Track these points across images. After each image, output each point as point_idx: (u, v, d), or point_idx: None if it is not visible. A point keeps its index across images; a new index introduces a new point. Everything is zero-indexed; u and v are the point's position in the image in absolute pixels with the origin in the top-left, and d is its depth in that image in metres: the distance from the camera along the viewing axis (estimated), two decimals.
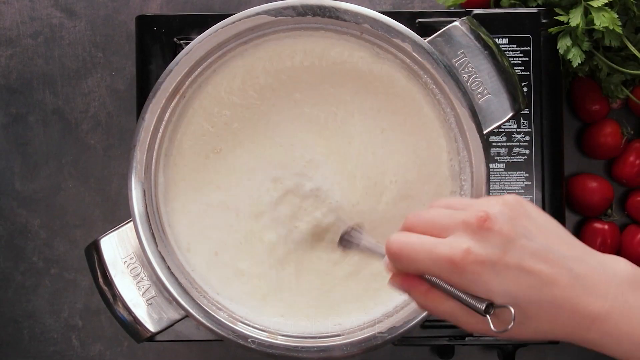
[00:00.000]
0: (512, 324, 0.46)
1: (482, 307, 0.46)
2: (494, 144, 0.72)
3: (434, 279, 0.48)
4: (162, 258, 0.62)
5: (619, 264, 0.49)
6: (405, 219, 0.50)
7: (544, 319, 0.47)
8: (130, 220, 0.63)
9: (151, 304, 0.63)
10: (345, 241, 0.58)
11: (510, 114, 0.64)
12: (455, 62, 0.63)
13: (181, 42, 0.70)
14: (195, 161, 0.65)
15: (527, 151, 0.72)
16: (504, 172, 0.72)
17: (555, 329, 0.47)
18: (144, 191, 0.62)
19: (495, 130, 0.65)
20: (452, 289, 0.47)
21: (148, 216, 0.62)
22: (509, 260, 0.46)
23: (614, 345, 0.47)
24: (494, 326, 0.46)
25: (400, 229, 0.50)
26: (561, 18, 0.71)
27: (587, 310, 0.46)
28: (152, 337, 0.64)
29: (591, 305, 0.47)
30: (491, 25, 0.70)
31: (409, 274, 0.49)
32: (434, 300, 0.49)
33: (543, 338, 0.48)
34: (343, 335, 0.62)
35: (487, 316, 0.46)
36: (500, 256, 0.46)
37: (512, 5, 0.77)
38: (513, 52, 0.71)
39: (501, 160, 0.72)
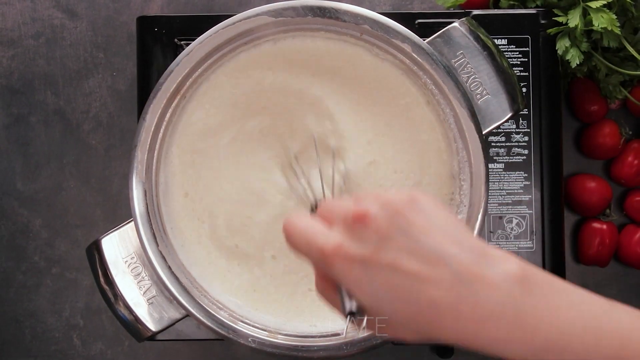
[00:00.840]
0: (363, 326, 0.44)
1: (349, 308, 0.44)
2: (493, 144, 0.72)
3: None
4: (163, 257, 0.62)
5: (506, 264, 0.44)
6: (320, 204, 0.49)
7: (422, 320, 0.43)
8: (131, 220, 0.63)
9: (152, 303, 0.63)
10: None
11: (509, 115, 0.64)
12: (455, 62, 0.64)
13: (182, 42, 0.70)
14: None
15: (526, 151, 0.72)
16: (503, 172, 0.72)
17: (439, 331, 0.44)
18: (145, 191, 0.62)
19: (494, 130, 0.65)
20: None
21: (149, 216, 0.62)
22: (381, 259, 0.43)
23: (506, 349, 0.43)
24: (351, 327, 0.45)
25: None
26: (560, 19, 0.72)
27: (473, 314, 0.43)
28: (153, 336, 0.64)
29: (477, 308, 0.42)
30: (490, 26, 0.70)
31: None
32: (320, 286, 0.48)
33: (428, 339, 0.44)
34: (343, 333, 0.61)
35: (348, 317, 0.44)
36: (372, 254, 0.43)
37: (511, 6, 0.77)
38: (512, 53, 0.71)
39: (500, 160, 0.72)
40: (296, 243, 0.47)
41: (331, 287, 0.47)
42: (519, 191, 0.72)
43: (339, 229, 0.45)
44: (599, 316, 0.44)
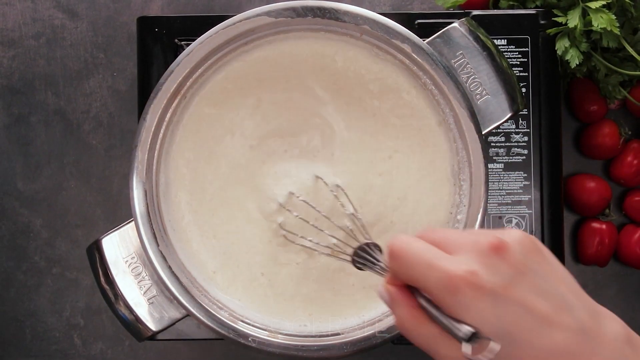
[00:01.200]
0: (488, 349, 0.42)
1: (464, 333, 0.42)
2: (492, 144, 0.72)
3: (422, 300, 0.45)
4: (163, 257, 0.62)
5: (614, 323, 0.45)
6: (420, 230, 0.47)
7: (541, 358, 0.43)
8: (132, 220, 0.63)
9: (152, 303, 0.63)
10: (359, 261, 0.54)
11: (509, 115, 0.64)
12: (454, 63, 0.63)
13: (182, 43, 0.70)
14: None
15: (525, 151, 0.72)
16: (503, 172, 0.72)
17: None
18: (145, 191, 0.62)
19: (494, 130, 0.65)
20: (437, 312, 0.44)
21: (149, 216, 0.62)
22: (514, 294, 0.42)
23: None
24: (472, 353, 0.42)
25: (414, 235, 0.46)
26: (559, 19, 0.72)
27: None
28: (153, 336, 0.64)
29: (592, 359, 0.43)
30: (490, 26, 0.70)
31: (401, 285, 0.47)
32: (415, 319, 0.46)
33: None
34: (343, 334, 0.62)
35: (466, 343, 0.42)
36: (505, 287, 0.42)
37: (511, 7, 0.77)
38: (512, 53, 0.71)
39: (500, 160, 0.72)
40: (416, 266, 0.44)
41: (424, 318, 0.45)
42: (518, 191, 0.72)
43: (470, 257, 0.43)
44: None
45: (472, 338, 0.42)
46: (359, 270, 0.54)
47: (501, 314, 0.42)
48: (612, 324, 0.45)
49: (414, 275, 0.45)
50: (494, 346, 0.42)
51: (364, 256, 0.53)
